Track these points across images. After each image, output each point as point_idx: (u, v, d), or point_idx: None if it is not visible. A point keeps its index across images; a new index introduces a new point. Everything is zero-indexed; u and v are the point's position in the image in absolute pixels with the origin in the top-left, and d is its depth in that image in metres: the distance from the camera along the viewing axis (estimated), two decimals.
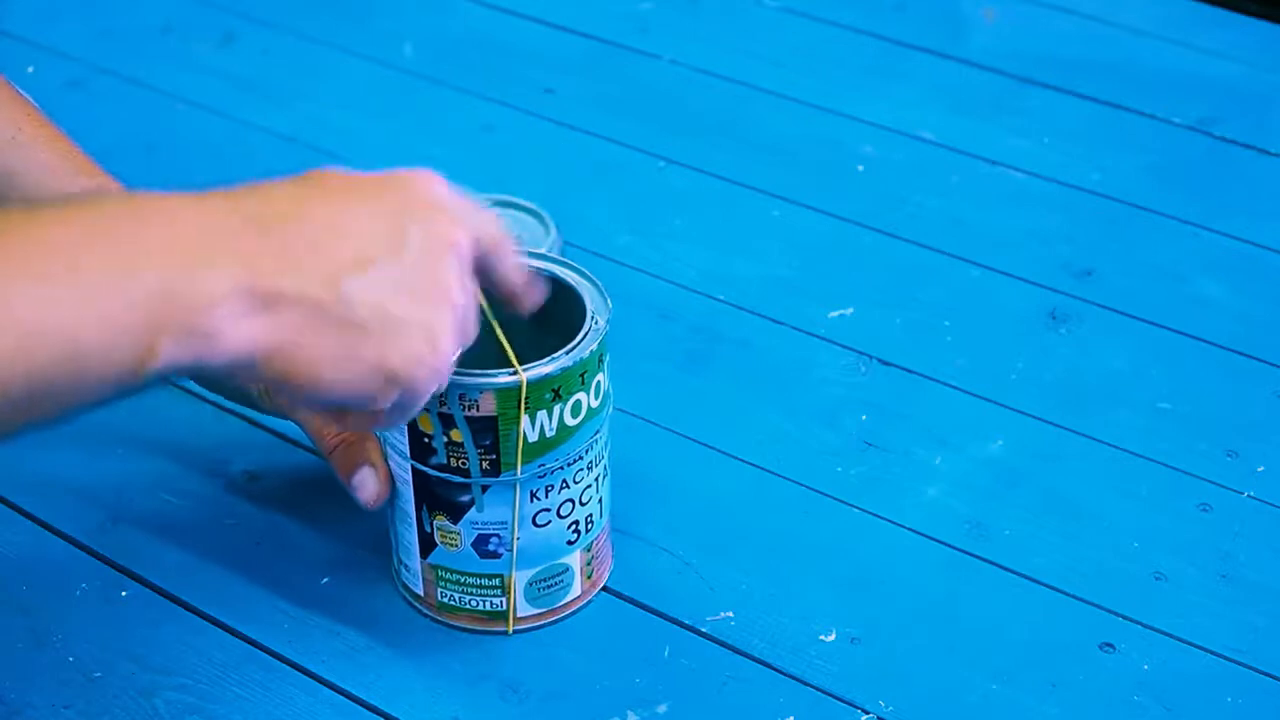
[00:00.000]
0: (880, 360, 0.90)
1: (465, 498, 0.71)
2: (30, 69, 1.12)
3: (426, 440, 0.69)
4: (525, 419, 0.68)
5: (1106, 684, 0.74)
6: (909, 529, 0.81)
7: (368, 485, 0.74)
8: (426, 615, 0.76)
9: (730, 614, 0.77)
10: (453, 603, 0.75)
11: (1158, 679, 0.74)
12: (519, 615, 0.75)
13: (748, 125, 1.08)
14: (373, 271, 0.58)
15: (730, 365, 0.90)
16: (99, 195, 0.55)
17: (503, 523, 0.72)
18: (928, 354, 0.90)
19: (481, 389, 0.67)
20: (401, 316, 0.58)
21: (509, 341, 0.68)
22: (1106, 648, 0.75)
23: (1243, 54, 1.12)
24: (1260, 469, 0.83)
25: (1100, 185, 1.02)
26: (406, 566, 0.76)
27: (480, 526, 0.72)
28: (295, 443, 0.86)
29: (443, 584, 0.74)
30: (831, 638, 0.76)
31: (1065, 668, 0.74)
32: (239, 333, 0.55)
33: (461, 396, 0.67)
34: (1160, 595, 0.78)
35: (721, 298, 0.95)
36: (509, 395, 0.67)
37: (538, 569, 0.74)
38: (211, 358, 0.55)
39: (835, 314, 0.93)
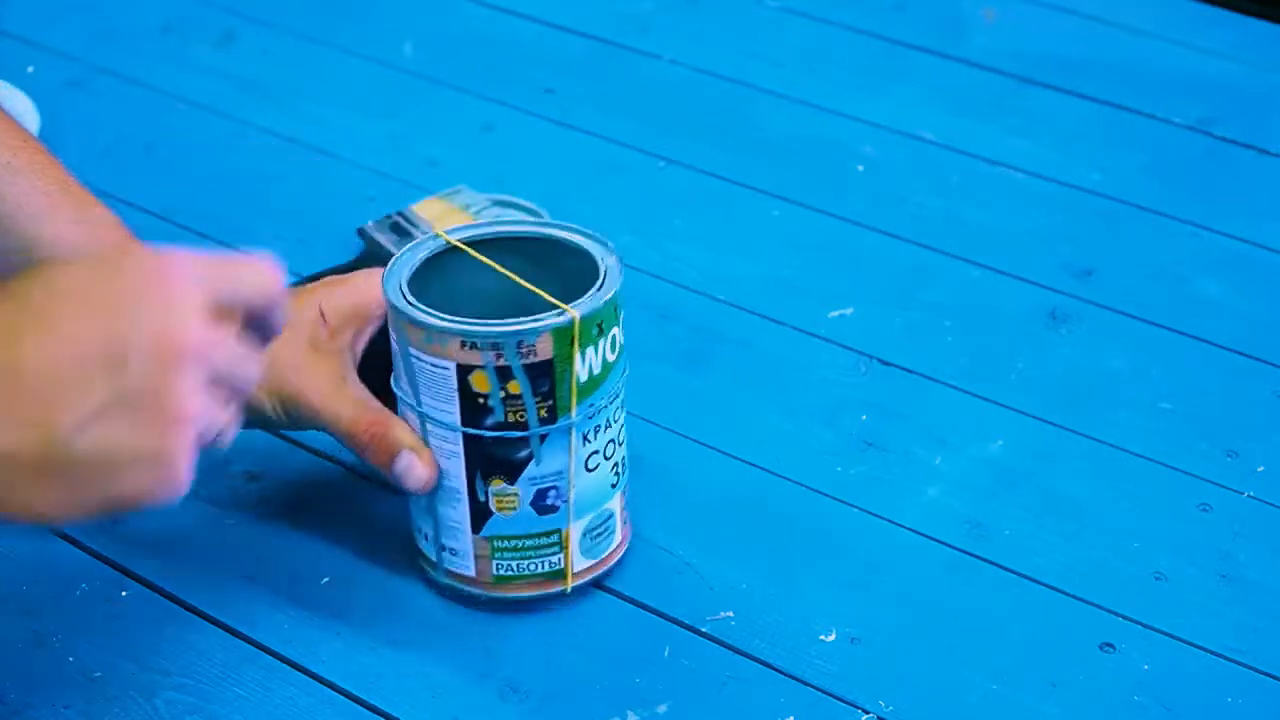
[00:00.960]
0: (880, 360, 0.90)
1: (524, 453, 0.71)
2: (30, 69, 1.12)
3: (482, 400, 0.70)
4: (578, 358, 0.69)
5: (1106, 684, 0.74)
6: (909, 529, 0.81)
7: (414, 469, 0.73)
8: (477, 595, 0.76)
9: (730, 614, 0.77)
10: (510, 572, 0.75)
11: (1158, 679, 0.74)
12: (575, 570, 0.75)
13: (748, 125, 1.08)
14: (90, 407, 0.54)
15: (730, 365, 0.90)
16: None
17: (559, 472, 0.72)
18: (928, 354, 0.90)
19: (539, 331, 0.68)
20: (125, 452, 0.55)
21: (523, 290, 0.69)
22: (1106, 648, 0.75)
23: (1243, 54, 1.12)
24: (1260, 469, 0.83)
25: (1100, 185, 1.02)
26: (451, 550, 0.75)
27: (539, 481, 0.72)
28: (295, 443, 0.86)
29: (499, 555, 0.74)
30: (831, 638, 0.76)
31: (1065, 668, 0.74)
32: None
33: (520, 344, 0.68)
34: (1160, 595, 0.78)
35: (721, 298, 0.95)
36: (564, 335, 0.69)
37: (590, 516, 0.75)
38: None
39: (835, 314, 0.93)
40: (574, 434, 0.72)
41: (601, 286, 0.71)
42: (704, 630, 0.76)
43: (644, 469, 0.84)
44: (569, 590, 0.76)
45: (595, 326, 0.70)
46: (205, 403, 0.57)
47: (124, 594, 0.78)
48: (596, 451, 0.73)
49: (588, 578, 0.76)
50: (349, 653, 0.76)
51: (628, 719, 0.73)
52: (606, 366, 0.72)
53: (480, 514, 0.73)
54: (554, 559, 0.75)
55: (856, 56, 1.13)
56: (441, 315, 0.69)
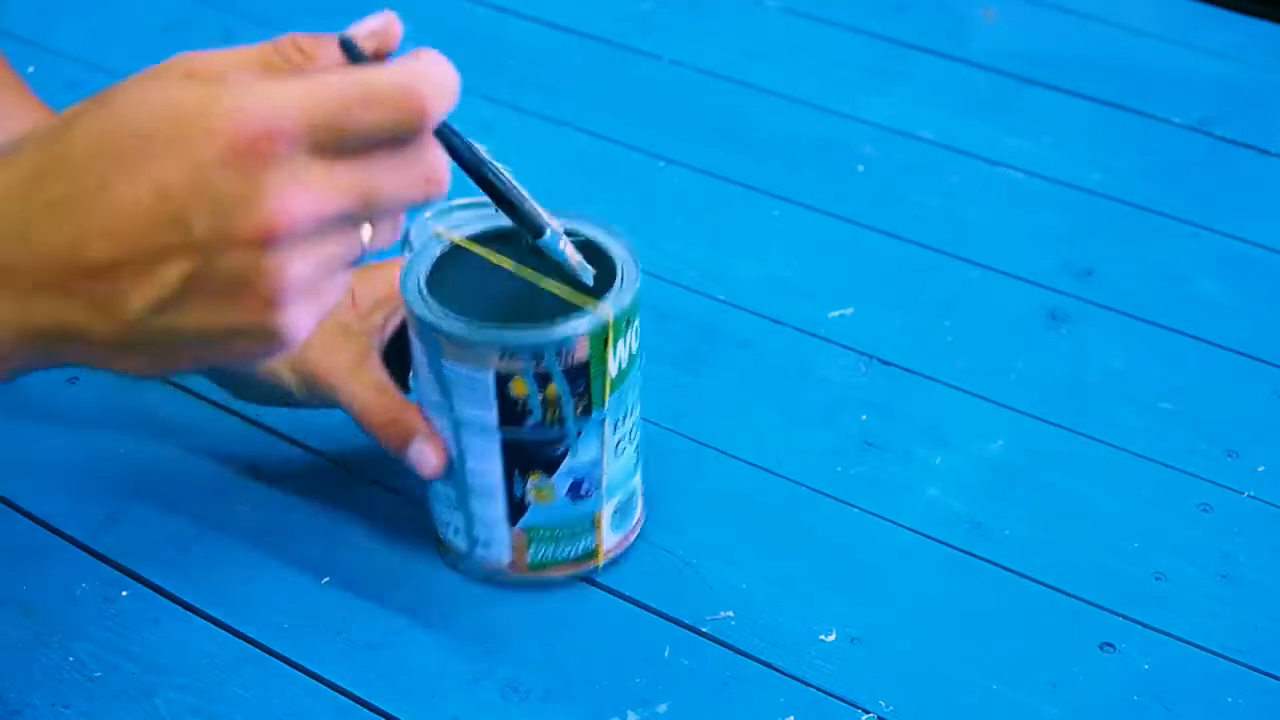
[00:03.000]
0: (880, 360, 0.90)
1: (561, 449, 0.72)
2: (30, 69, 1.12)
3: (520, 404, 0.70)
4: (611, 354, 0.70)
5: (1106, 684, 0.74)
6: (909, 529, 0.81)
7: (426, 456, 0.74)
8: (512, 581, 0.77)
9: (730, 614, 0.77)
10: (545, 559, 0.76)
11: (1158, 679, 0.74)
12: (606, 548, 0.77)
13: (748, 125, 1.08)
14: (162, 292, 0.48)
15: (730, 365, 0.90)
16: None
17: (594, 461, 0.73)
18: (928, 354, 0.90)
19: (577, 335, 0.69)
20: (210, 329, 0.49)
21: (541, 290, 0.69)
22: (1106, 648, 0.75)
23: (1243, 54, 1.12)
24: (1260, 469, 0.83)
25: (1100, 185, 1.02)
26: (485, 543, 0.76)
27: (575, 472, 0.73)
28: (295, 442, 0.86)
29: (535, 543, 0.75)
30: (831, 638, 0.76)
31: (1065, 668, 0.74)
32: (26, 358, 0.51)
33: (559, 350, 0.69)
34: (1160, 595, 0.78)
35: (721, 298, 0.95)
36: (599, 335, 0.69)
37: (618, 497, 0.76)
38: (8, 379, 0.51)
39: (835, 314, 0.93)
40: (606, 424, 0.73)
41: (623, 279, 0.72)
42: (704, 630, 0.76)
43: (643, 469, 0.84)
44: (600, 567, 0.77)
45: (625, 321, 0.71)
46: (311, 265, 0.49)
47: (124, 594, 0.78)
48: (624, 436, 0.75)
49: (618, 551, 0.78)
50: (349, 653, 0.76)
51: (628, 719, 0.73)
52: (631, 357, 0.73)
53: (517, 508, 0.74)
54: (587, 541, 0.76)
55: (856, 56, 1.13)
56: (478, 326, 0.69)
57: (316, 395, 0.77)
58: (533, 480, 0.73)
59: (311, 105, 0.48)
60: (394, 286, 0.75)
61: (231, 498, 0.83)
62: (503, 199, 0.65)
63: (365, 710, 0.73)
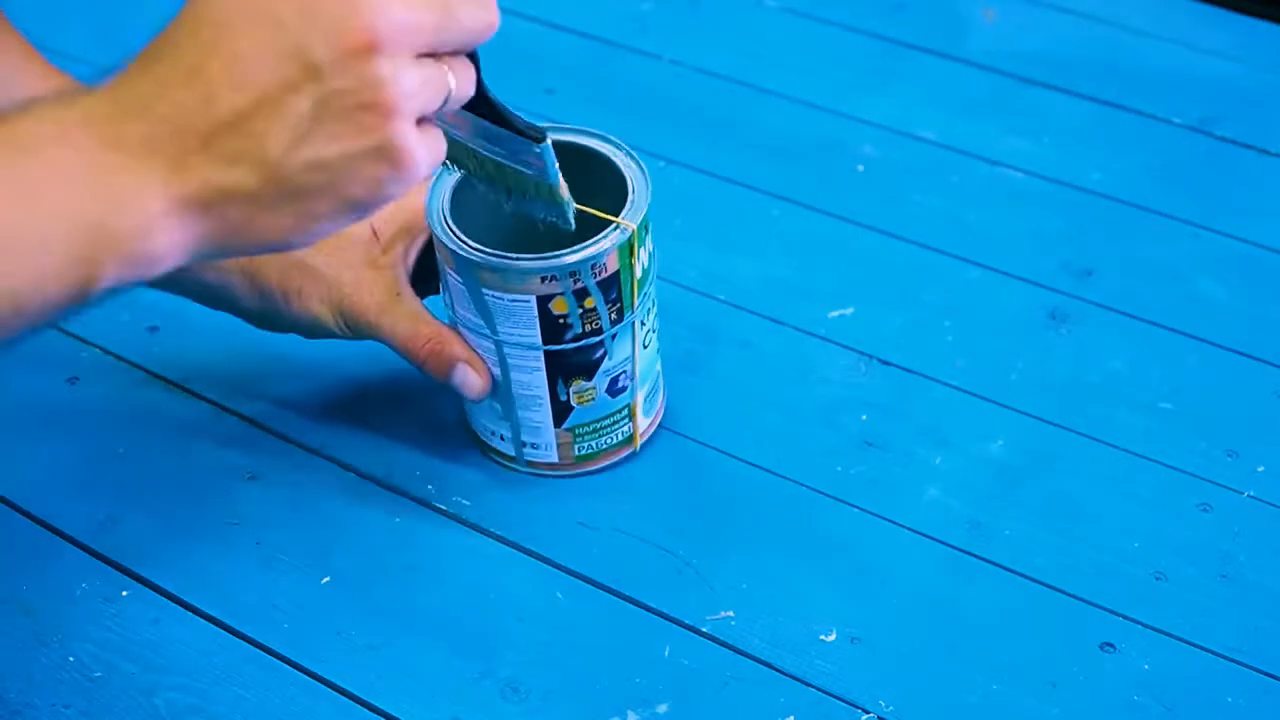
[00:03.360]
0: (880, 360, 0.90)
1: (599, 354, 0.77)
2: None
3: (562, 321, 0.75)
4: (636, 261, 0.75)
5: (1106, 684, 0.74)
6: (909, 529, 0.81)
7: (470, 380, 0.78)
8: (560, 476, 0.83)
9: (730, 614, 0.77)
10: (589, 450, 0.82)
11: (1158, 679, 0.74)
12: (640, 431, 0.83)
13: (748, 125, 1.08)
14: (296, 124, 0.53)
15: (730, 365, 0.90)
16: None
17: (627, 358, 0.79)
18: (928, 354, 0.90)
19: (608, 251, 0.74)
20: (343, 156, 0.54)
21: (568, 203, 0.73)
22: (1106, 648, 0.75)
23: (1243, 54, 1.12)
24: (1260, 469, 0.83)
25: (1100, 185, 1.02)
26: (533, 445, 0.81)
27: (611, 371, 0.79)
28: (295, 443, 0.86)
29: (580, 439, 0.81)
30: (831, 638, 0.76)
31: (1065, 668, 0.74)
32: (185, 238, 0.54)
33: (593, 266, 0.73)
34: (1160, 595, 0.78)
35: (721, 298, 0.95)
36: (625, 246, 0.74)
37: (648, 384, 0.82)
38: (158, 270, 0.54)
39: (835, 314, 0.93)
40: (636, 323, 0.78)
41: (634, 189, 0.77)
42: (704, 630, 0.76)
43: (643, 469, 0.84)
44: (638, 449, 0.84)
45: (644, 227, 0.76)
46: (413, 81, 0.54)
47: (124, 594, 0.78)
48: (649, 329, 0.80)
49: (649, 434, 0.84)
50: (349, 653, 0.76)
51: (628, 719, 0.73)
52: (650, 258, 0.77)
53: (562, 411, 0.79)
54: (625, 428, 0.82)
55: (856, 56, 1.13)
56: (518, 256, 0.73)
57: (356, 332, 0.79)
58: (575, 385, 0.78)
59: None
60: (409, 216, 0.80)
61: (231, 498, 0.83)
62: (502, 115, 0.66)
63: (365, 710, 0.73)
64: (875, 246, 0.98)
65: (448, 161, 0.72)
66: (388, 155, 0.54)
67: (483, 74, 0.61)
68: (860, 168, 1.04)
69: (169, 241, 0.53)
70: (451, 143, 0.69)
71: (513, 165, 0.70)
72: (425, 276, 0.82)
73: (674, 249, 0.96)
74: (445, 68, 0.56)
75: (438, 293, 0.82)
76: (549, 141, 0.68)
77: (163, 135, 0.52)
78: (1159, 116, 1.07)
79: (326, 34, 0.52)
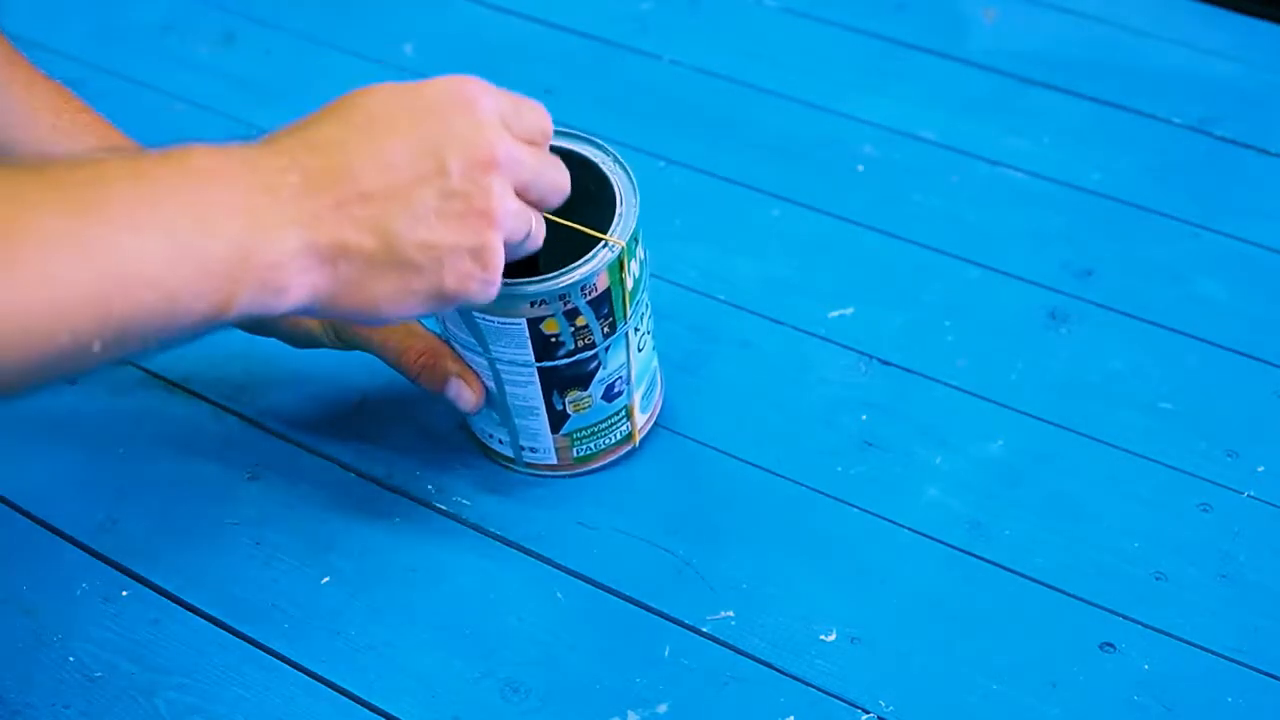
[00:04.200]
0: (880, 360, 0.90)
1: (593, 366, 0.77)
2: None
3: (554, 340, 0.75)
4: (626, 275, 0.75)
5: (1106, 684, 0.74)
6: (909, 529, 0.81)
7: (464, 395, 0.79)
8: (560, 476, 0.83)
9: (730, 614, 0.77)
10: (588, 452, 0.82)
11: (1158, 679, 0.74)
12: (639, 428, 0.84)
13: (748, 125, 1.08)
14: (420, 210, 0.62)
15: (730, 365, 0.90)
16: (158, 153, 0.59)
17: (622, 364, 0.79)
18: (928, 354, 0.90)
19: (597, 271, 0.73)
20: (450, 246, 0.63)
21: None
22: (1106, 648, 0.75)
23: (1243, 54, 1.12)
24: (1260, 469, 0.84)
25: (1100, 185, 1.02)
26: (532, 449, 0.82)
27: (607, 379, 0.79)
28: (295, 443, 0.86)
29: (578, 443, 0.82)
30: (831, 638, 0.76)
31: (1065, 668, 0.75)
32: (305, 284, 0.60)
33: (582, 288, 0.73)
34: (1160, 595, 0.78)
35: (721, 298, 0.95)
36: (615, 263, 0.74)
37: (645, 383, 0.83)
38: (280, 306, 0.60)
39: (835, 314, 0.93)
40: (629, 332, 0.78)
41: (624, 202, 0.76)
42: (704, 630, 0.76)
43: (643, 469, 0.84)
44: (637, 444, 0.84)
45: (633, 241, 0.75)
46: (514, 205, 0.65)
47: (124, 594, 0.78)
48: (643, 334, 0.80)
49: (648, 428, 0.85)
50: (349, 653, 0.76)
51: (628, 719, 0.73)
52: (641, 266, 0.77)
53: (558, 419, 0.79)
54: (623, 428, 0.83)
55: (856, 56, 1.13)
56: (507, 281, 0.73)
57: (346, 344, 0.80)
58: (570, 395, 0.78)
59: (502, 96, 0.66)
60: None
61: (231, 498, 0.83)
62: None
63: (365, 710, 0.73)
64: (875, 246, 0.98)
65: None
66: (482, 256, 0.64)
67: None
68: (860, 168, 1.04)
69: (296, 280, 0.60)
70: None
71: None
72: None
73: (674, 249, 0.96)
74: (530, 210, 0.66)
75: None
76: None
77: (307, 190, 0.60)
78: (1159, 116, 1.07)
79: (460, 144, 0.63)
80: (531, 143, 0.66)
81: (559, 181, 0.68)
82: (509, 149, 0.64)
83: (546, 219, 0.72)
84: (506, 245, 0.65)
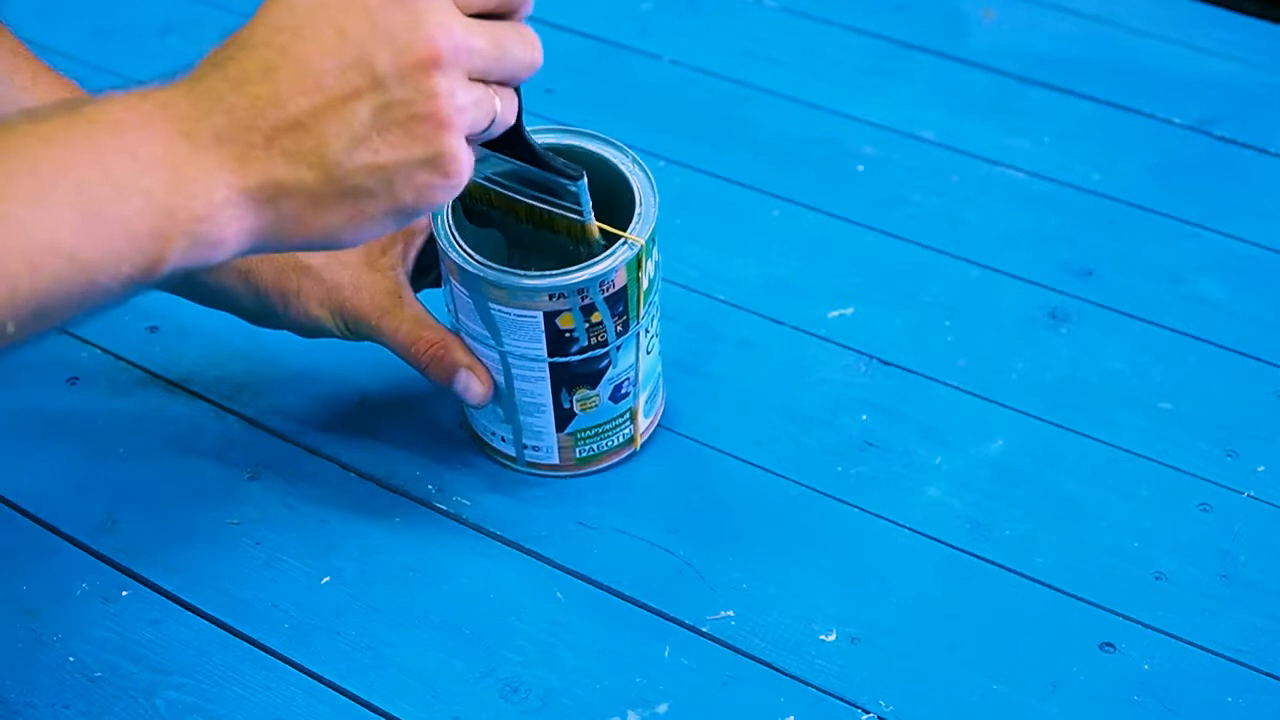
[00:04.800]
0: (880, 360, 0.90)
1: (603, 364, 0.77)
2: None
3: (568, 335, 0.75)
4: (643, 274, 0.75)
5: (1106, 684, 0.74)
6: (909, 529, 0.81)
7: (472, 387, 0.78)
8: (560, 476, 0.83)
9: (730, 614, 0.77)
10: (590, 453, 0.82)
11: (1158, 679, 0.74)
12: (641, 432, 0.84)
13: (748, 125, 1.08)
14: (357, 129, 0.57)
15: (730, 365, 0.90)
16: (67, 110, 0.56)
17: (630, 365, 0.79)
18: (928, 354, 0.90)
19: (615, 268, 0.73)
20: (398, 163, 0.57)
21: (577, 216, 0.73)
22: (1106, 648, 0.75)
23: (1243, 54, 1.12)
24: (1260, 469, 0.83)
25: (1100, 185, 1.02)
26: (534, 448, 0.82)
27: (615, 379, 0.78)
28: (295, 443, 0.86)
29: (581, 443, 0.81)
30: (831, 638, 0.76)
31: (1065, 668, 0.75)
32: (243, 229, 0.57)
33: (601, 284, 0.73)
34: (1160, 595, 0.78)
35: (721, 298, 0.95)
36: (633, 261, 0.74)
37: (650, 387, 0.82)
38: (219, 256, 0.57)
39: (835, 314, 0.93)
40: (640, 333, 0.78)
41: (643, 202, 0.76)
42: (704, 630, 0.76)
43: (643, 469, 0.84)
44: (638, 449, 0.84)
45: (651, 241, 0.75)
46: (467, 99, 0.58)
47: (124, 594, 0.78)
48: (652, 336, 0.80)
49: (649, 434, 0.85)
50: (349, 653, 0.76)
51: (628, 719, 0.73)
52: (656, 267, 0.77)
53: (564, 418, 0.79)
54: (626, 431, 0.82)
55: (856, 56, 1.13)
56: (526, 274, 0.73)
57: (356, 334, 0.79)
58: (579, 394, 0.78)
59: None
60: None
61: (231, 498, 0.83)
62: (538, 156, 0.69)
63: (365, 710, 0.73)
64: (875, 246, 0.98)
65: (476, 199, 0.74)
66: (439, 164, 0.58)
67: (523, 115, 0.64)
68: (860, 168, 1.04)
69: (231, 229, 0.56)
70: (479, 188, 0.72)
71: (544, 207, 0.72)
72: (423, 270, 0.82)
73: (674, 249, 0.96)
74: (493, 92, 0.60)
75: (436, 285, 0.82)
76: (585, 180, 0.70)
77: (232, 130, 0.56)
78: (1159, 116, 1.07)
79: (391, 47, 0.56)
80: (500, 12, 0.60)
81: (527, 58, 0.61)
82: (455, 38, 0.57)
83: (567, 217, 0.72)
84: (471, 137, 0.60)
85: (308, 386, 0.89)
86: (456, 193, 0.59)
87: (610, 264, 0.73)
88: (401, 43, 0.56)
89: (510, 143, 0.67)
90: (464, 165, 0.59)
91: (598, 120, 1.08)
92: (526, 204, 0.72)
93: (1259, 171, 1.03)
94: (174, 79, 0.58)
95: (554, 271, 0.73)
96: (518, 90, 0.63)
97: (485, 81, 0.60)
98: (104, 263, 0.54)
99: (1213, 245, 0.97)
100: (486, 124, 0.60)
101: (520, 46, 0.60)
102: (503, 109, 0.61)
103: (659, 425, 0.86)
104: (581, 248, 0.74)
